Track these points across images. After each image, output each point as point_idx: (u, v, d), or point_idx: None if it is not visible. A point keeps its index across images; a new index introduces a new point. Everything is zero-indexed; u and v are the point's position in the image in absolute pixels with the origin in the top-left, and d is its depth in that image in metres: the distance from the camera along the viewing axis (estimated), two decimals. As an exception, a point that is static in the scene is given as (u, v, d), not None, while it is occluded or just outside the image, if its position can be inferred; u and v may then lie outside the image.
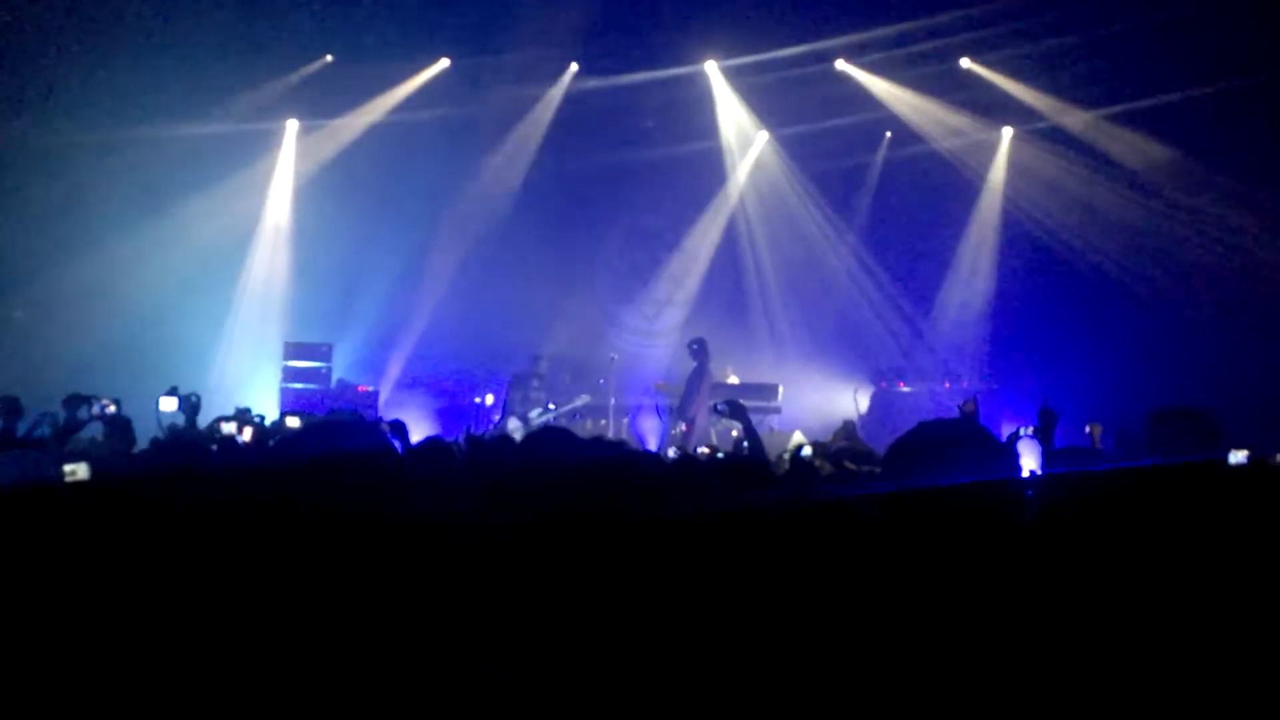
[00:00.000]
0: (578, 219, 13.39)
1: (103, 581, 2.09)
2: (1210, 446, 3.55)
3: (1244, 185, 10.25)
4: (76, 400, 5.07)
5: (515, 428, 10.81)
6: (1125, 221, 11.28)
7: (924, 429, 2.13)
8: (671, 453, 7.74)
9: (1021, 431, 5.26)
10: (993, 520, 2.45)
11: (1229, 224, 10.53)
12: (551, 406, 11.43)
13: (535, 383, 11.36)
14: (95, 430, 5.21)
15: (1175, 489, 2.59)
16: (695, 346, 10.92)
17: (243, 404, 5.99)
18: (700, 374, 10.79)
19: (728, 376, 12.39)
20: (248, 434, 5.09)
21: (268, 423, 5.71)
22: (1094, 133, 11.36)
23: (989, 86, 11.77)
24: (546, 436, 2.65)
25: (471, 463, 3.28)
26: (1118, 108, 11.05)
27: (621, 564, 2.21)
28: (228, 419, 5.13)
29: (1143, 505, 2.41)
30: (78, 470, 3.70)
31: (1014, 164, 12.43)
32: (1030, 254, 11.98)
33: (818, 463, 5.21)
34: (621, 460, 2.80)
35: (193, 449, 4.43)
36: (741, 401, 8.99)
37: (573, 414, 11.73)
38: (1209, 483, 3.00)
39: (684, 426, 10.58)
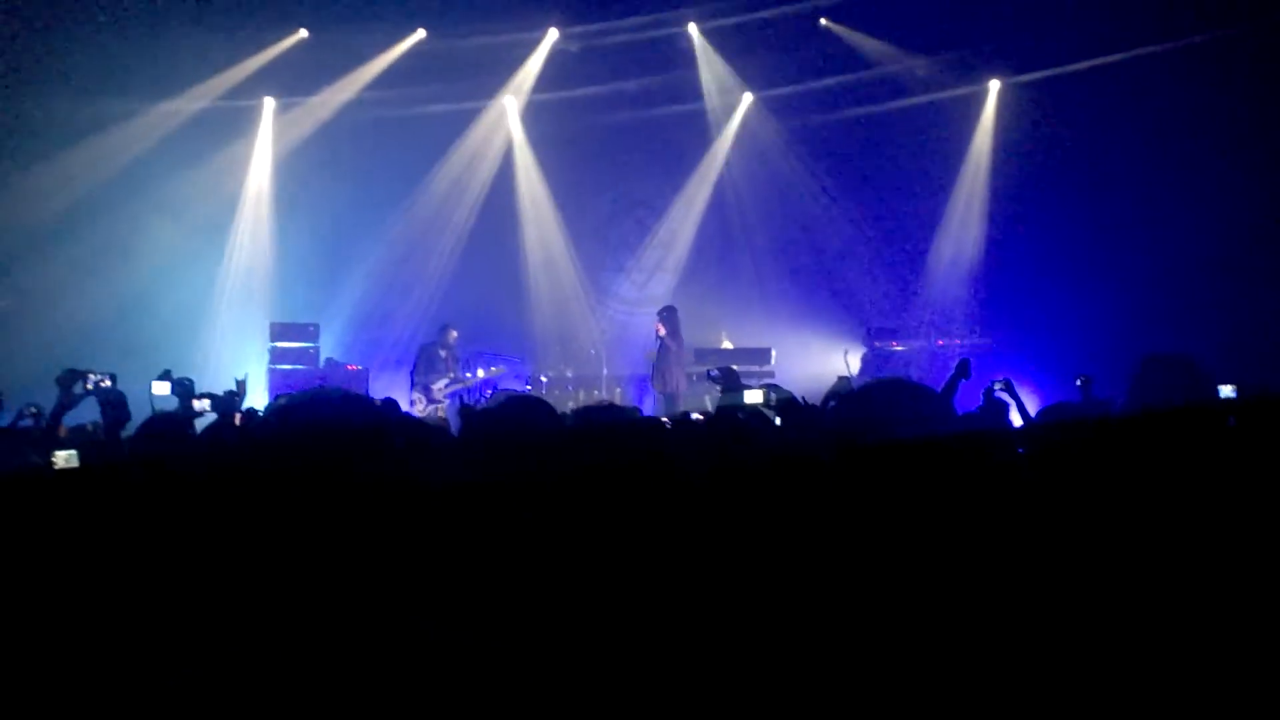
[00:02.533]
0: (563, 188, 13.30)
1: (96, 571, 2.07)
2: (1198, 391, 3.57)
3: (1236, 133, 10.18)
4: (72, 375, 5.01)
5: (417, 399, 10.73)
6: (1113, 170, 11.22)
7: (861, 396, 2.11)
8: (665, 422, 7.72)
9: (995, 386, 5.26)
10: (979, 475, 2.44)
11: (1221, 171, 10.46)
12: (467, 375, 11.27)
13: (442, 353, 11.13)
14: (90, 408, 5.15)
15: (1167, 435, 2.57)
16: (664, 314, 10.84)
17: (230, 386, 5.92)
18: (667, 343, 10.70)
19: (721, 341, 12.38)
20: (236, 420, 5.04)
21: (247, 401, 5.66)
22: (1086, 83, 11.27)
23: (973, 39, 11.68)
24: (524, 404, 2.62)
25: (462, 434, 3.27)
26: (1110, 57, 10.96)
27: (613, 524, 2.20)
28: (199, 397, 5.08)
29: (1136, 454, 2.39)
30: (67, 458, 3.68)
31: (1001, 116, 12.34)
32: (1021, 208, 11.92)
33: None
34: (610, 424, 2.78)
35: (180, 431, 4.40)
36: (734, 367, 8.99)
37: (488, 383, 11.65)
38: (1200, 427, 2.99)
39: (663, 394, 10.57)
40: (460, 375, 11.19)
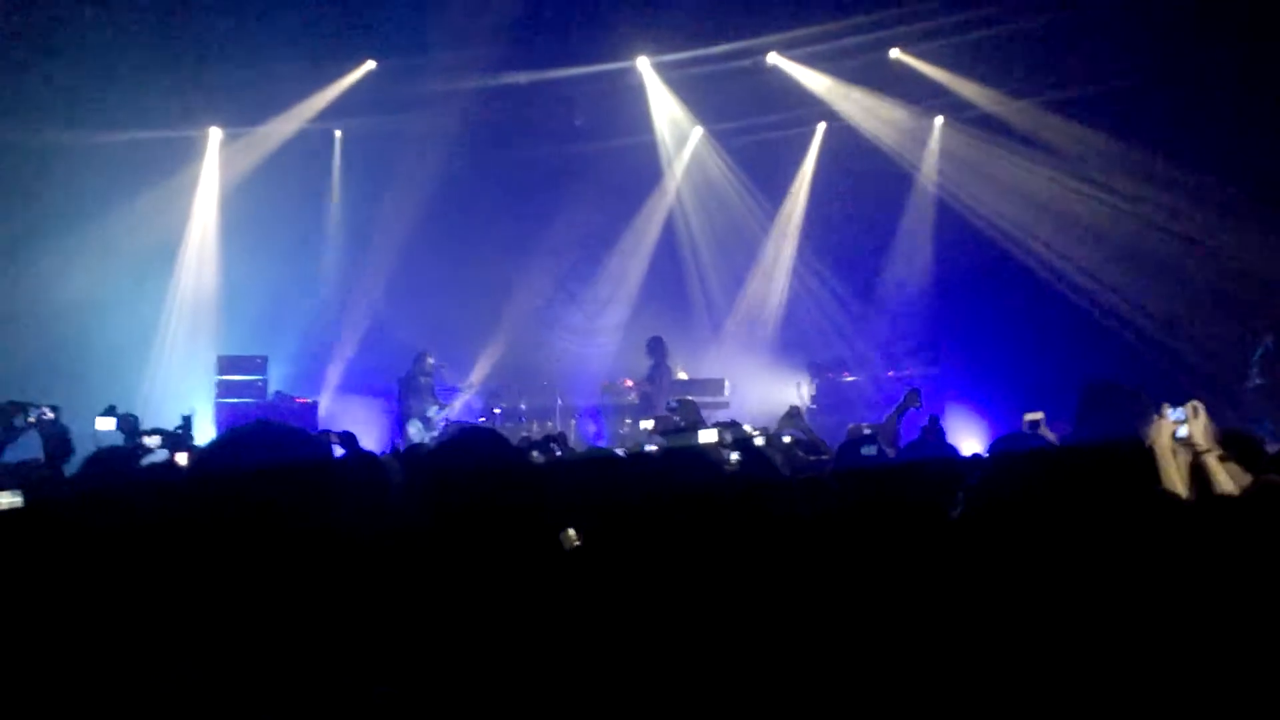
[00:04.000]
0: (514, 220, 13.29)
1: (39, 616, 2.01)
2: (1142, 419, 3.63)
3: (1182, 170, 10.47)
4: (13, 408, 4.87)
5: (417, 430, 10.78)
6: (1060, 207, 11.48)
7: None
8: (620, 453, 7.70)
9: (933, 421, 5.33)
10: (935, 502, 2.47)
11: (1166, 207, 10.74)
12: (454, 402, 11.49)
13: (423, 380, 11.28)
14: (31, 441, 5.00)
15: (1111, 467, 2.63)
16: (652, 345, 11.05)
17: (176, 421, 5.81)
18: (658, 372, 10.90)
19: (677, 372, 12.43)
20: (182, 459, 4.91)
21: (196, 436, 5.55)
22: (1027, 120, 11.57)
23: (919, 76, 11.95)
24: (473, 437, 2.59)
25: (407, 472, 3.23)
26: (1050, 96, 11.25)
27: (565, 559, 2.19)
28: (149, 433, 4.99)
29: (1085, 483, 2.45)
30: (11, 499, 3.56)
31: (946, 152, 12.61)
32: (966, 241, 12.15)
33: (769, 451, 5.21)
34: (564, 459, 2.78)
35: (123, 468, 4.29)
36: (691, 398, 9.02)
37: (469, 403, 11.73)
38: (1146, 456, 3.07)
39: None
40: (442, 400, 11.24)
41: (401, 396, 11.18)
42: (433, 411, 11.07)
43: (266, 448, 1.67)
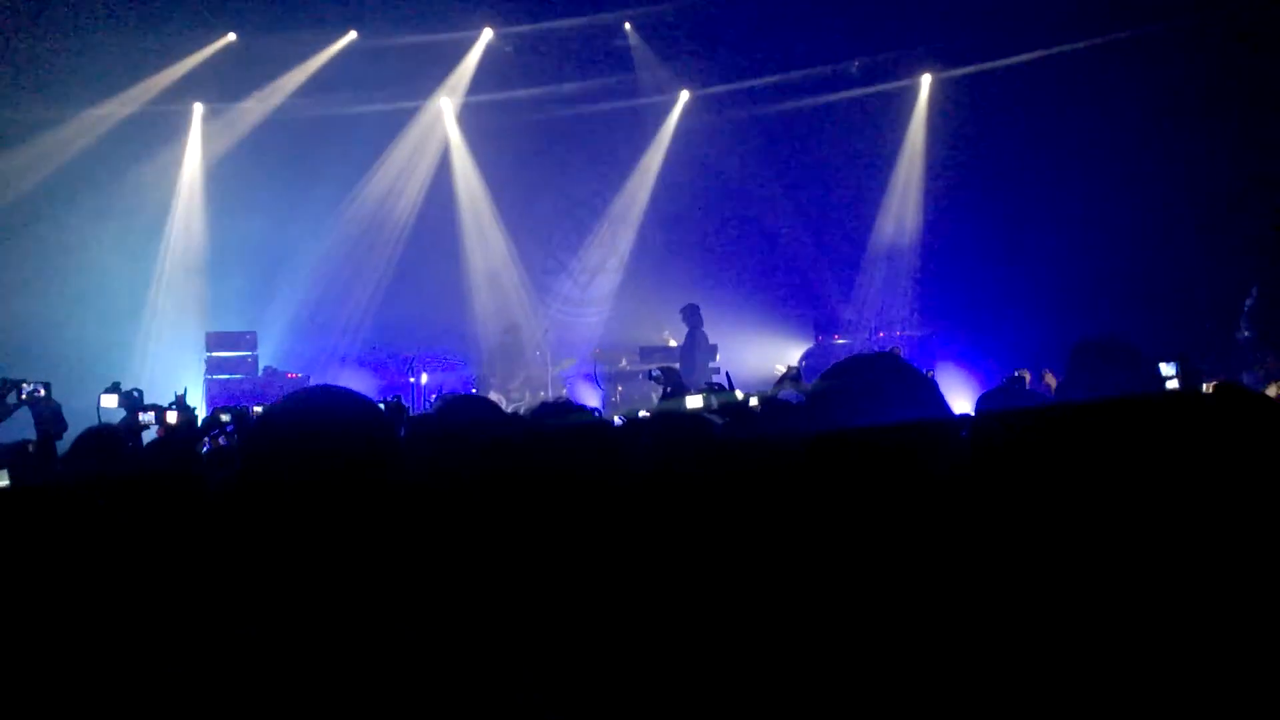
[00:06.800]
0: (502, 189, 13.23)
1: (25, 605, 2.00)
2: (1134, 375, 3.59)
3: (1169, 119, 10.41)
4: (4, 385, 4.85)
5: (498, 399, 10.83)
6: (1051, 164, 11.43)
7: (844, 367, 2.02)
8: (616, 420, 7.72)
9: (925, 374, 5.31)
10: (924, 462, 2.47)
11: (1153, 159, 10.70)
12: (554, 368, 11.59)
13: (512, 351, 11.39)
14: (23, 420, 4.99)
15: (1112, 423, 2.61)
16: (687, 312, 11.02)
17: (169, 398, 5.80)
18: (693, 340, 10.84)
19: (667, 340, 12.42)
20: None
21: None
22: (1014, 73, 11.48)
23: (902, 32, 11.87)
24: (467, 405, 2.60)
25: (410, 435, 3.23)
26: (1043, 49, 11.18)
27: (564, 523, 2.19)
28: (146, 409, 4.99)
29: (1082, 441, 2.43)
30: (-2, 478, 3.55)
31: (934, 110, 12.54)
32: (958, 197, 12.12)
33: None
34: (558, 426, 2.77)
35: (118, 445, 4.28)
36: (677, 367, 9.02)
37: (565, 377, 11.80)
38: (1142, 415, 3.06)
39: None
40: (530, 370, 11.38)
41: (488, 365, 11.26)
42: (515, 384, 11.14)
43: (334, 411, 1.62)
